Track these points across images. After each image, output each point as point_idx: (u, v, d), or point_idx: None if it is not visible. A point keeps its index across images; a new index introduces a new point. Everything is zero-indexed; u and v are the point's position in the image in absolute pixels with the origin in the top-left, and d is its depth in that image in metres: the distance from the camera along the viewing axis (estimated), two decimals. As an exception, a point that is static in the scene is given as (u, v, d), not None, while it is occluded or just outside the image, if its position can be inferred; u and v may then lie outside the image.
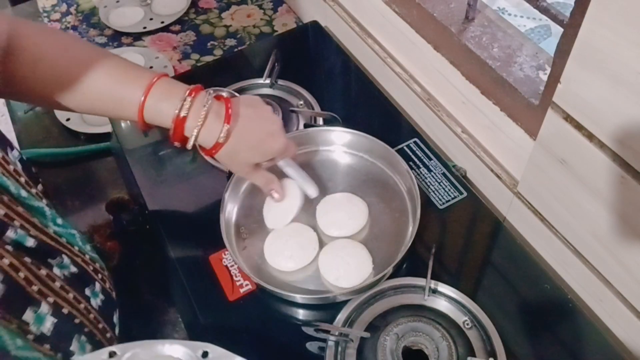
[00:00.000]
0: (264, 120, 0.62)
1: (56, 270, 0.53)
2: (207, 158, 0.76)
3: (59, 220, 0.57)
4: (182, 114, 0.57)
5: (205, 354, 0.46)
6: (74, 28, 1.11)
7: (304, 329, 0.58)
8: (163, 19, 1.10)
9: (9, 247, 0.48)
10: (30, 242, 0.50)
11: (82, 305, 0.53)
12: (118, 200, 0.84)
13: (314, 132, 0.78)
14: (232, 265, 0.67)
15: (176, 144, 0.59)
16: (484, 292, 0.64)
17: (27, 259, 0.49)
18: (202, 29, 1.09)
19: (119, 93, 0.57)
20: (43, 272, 0.51)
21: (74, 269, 0.56)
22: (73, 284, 0.55)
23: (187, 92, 0.57)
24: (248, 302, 0.65)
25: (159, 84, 0.57)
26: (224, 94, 0.69)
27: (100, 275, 0.59)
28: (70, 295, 0.53)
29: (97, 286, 0.57)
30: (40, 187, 0.59)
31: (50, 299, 0.50)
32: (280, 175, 0.69)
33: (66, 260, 0.55)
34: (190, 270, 0.68)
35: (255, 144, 0.61)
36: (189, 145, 0.59)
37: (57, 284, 0.52)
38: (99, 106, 0.59)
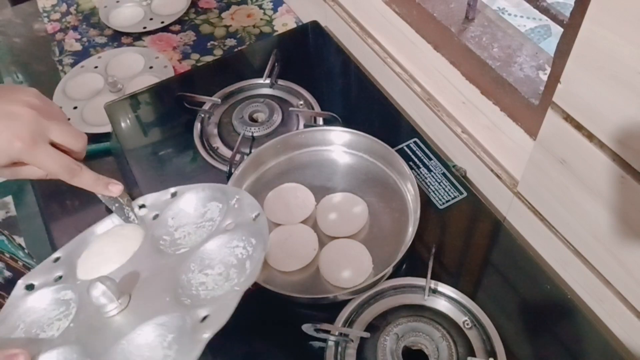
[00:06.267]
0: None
1: None
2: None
3: None
4: None
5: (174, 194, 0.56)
6: (74, 28, 1.11)
7: (304, 329, 0.58)
8: (163, 19, 1.10)
9: None
10: None
11: None
12: (118, 200, 0.84)
13: (314, 132, 0.78)
14: (232, 265, 0.67)
15: None
16: (484, 292, 0.64)
17: None
18: (202, 29, 1.09)
19: None
20: None
21: (8, 273, 0.55)
22: (8, 289, 0.54)
23: None
24: (248, 302, 0.65)
25: None
26: None
27: None
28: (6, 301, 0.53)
29: None
30: None
31: None
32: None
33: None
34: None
35: None
36: None
37: None
38: None
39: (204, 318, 0.45)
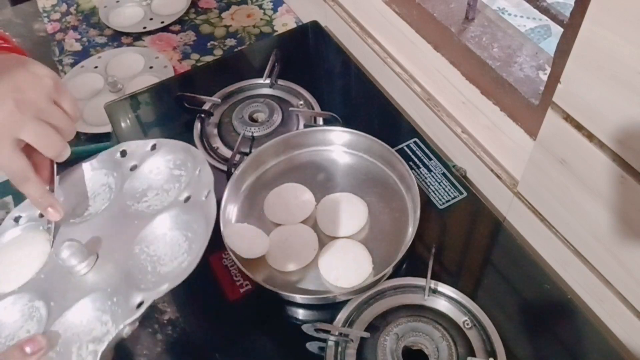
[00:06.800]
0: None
1: None
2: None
3: None
4: None
5: (123, 153, 0.61)
6: (74, 28, 1.11)
7: (304, 329, 0.58)
8: (163, 19, 1.10)
9: None
10: None
11: None
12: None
13: (314, 132, 0.78)
14: (232, 265, 0.67)
15: None
16: (484, 292, 0.64)
17: None
18: (202, 29, 1.09)
19: None
20: None
21: None
22: None
23: None
24: (248, 302, 0.65)
25: None
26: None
27: None
28: None
29: None
30: None
31: None
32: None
33: None
34: (190, 270, 0.68)
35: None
36: None
37: None
38: None
39: (187, 198, 0.53)
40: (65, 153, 0.52)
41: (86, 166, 0.61)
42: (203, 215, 0.50)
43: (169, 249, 0.50)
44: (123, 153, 0.60)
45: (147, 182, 0.57)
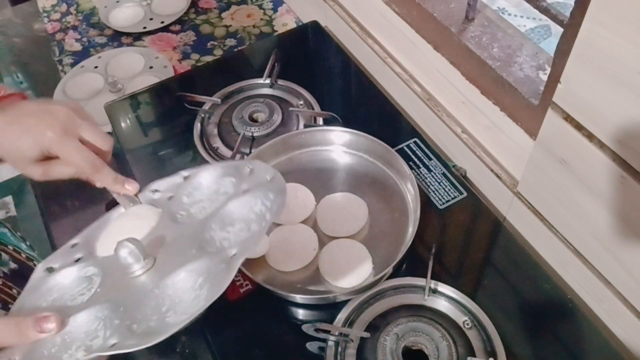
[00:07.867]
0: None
1: None
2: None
3: None
4: None
5: (252, 171, 0.55)
6: (74, 28, 1.11)
7: (304, 329, 0.58)
8: (163, 19, 1.10)
9: None
10: None
11: None
12: (118, 200, 0.84)
13: (314, 132, 0.78)
14: (232, 265, 0.67)
15: None
16: (484, 292, 0.64)
17: None
18: (202, 29, 1.09)
19: None
20: None
21: (13, 265, 0.56)
22: (15, 280, 0.55)
23: None
24: (248, 302, 0.65)
25: None
26: None
27: None
28: (14, 292, 0.54)
29: None
30: None
31: None
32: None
33: (4, 256, 0.55)
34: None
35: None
36: None
37: None
38: None
39: (234, 255, 0.46)
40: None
41: (216, 168, 0.58)
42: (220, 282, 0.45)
43: (190, 299, 0.45)
44: (252, 171, 0.55)
45: (245, 212, 0.51)
